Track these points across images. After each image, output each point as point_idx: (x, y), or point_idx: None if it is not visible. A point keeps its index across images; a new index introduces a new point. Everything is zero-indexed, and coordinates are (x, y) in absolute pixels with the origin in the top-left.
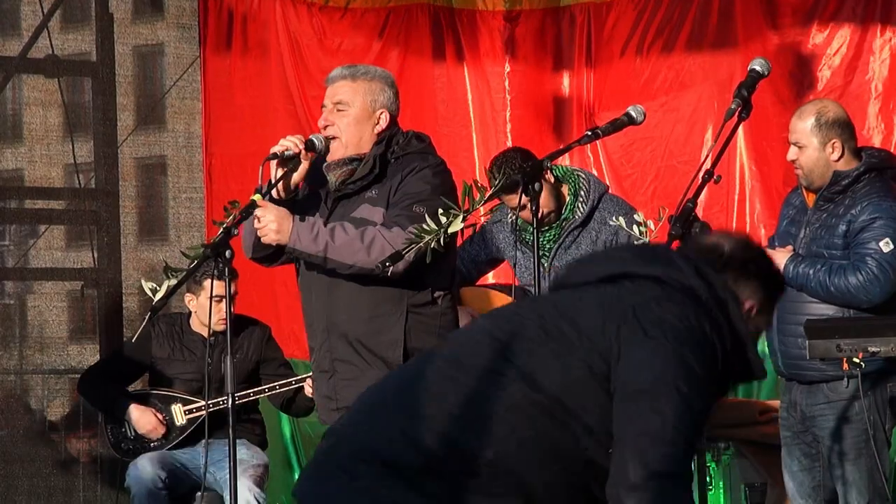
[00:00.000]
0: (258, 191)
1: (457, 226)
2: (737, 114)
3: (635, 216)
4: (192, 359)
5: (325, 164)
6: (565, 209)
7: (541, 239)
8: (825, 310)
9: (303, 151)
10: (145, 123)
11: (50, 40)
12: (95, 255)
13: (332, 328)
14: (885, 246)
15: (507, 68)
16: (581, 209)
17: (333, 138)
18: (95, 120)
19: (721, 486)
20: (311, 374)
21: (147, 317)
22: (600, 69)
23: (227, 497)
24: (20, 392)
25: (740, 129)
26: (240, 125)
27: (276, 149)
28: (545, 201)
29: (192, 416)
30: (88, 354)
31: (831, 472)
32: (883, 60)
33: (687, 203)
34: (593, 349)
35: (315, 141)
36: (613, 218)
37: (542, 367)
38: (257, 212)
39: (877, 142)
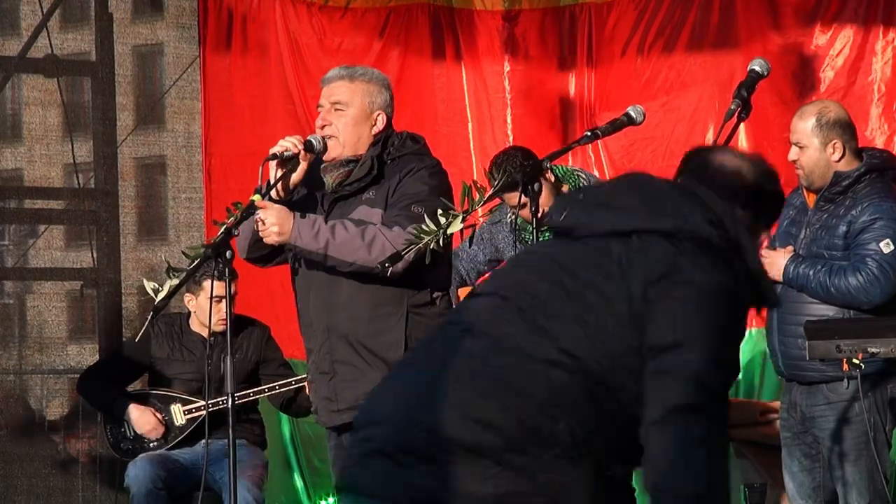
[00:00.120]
0: (258, 191)
1: (456, 226)
2: (736, 114)
3: None
4: (191, 359)
5: (323, 165)
6: None
7: (540, 238)
8: (825, 310)
9: (302, 152)
10: (145, 123)
11: (49, 40)
12: (95, 254)
13: (333, 329)
14: (886, 247)
15: (507, 68)
16: None
17: (331, 138)
18: (95, 120)
19: None
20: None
21: (149, 317)
22: (601, 69)
23: (227, 497)
24: (19, 392)
25: (742, 130)
26: (239, 125)
27: (275, 149)
28: (545, 201)
29: (191, 416)
30: (88, 354)
31: (831, 472)
32: (886, 61)
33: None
34: (620, 314)
35: (314, 142)
36: None
37: (575, 337)
38: (259, 213)
39: (879, 143)
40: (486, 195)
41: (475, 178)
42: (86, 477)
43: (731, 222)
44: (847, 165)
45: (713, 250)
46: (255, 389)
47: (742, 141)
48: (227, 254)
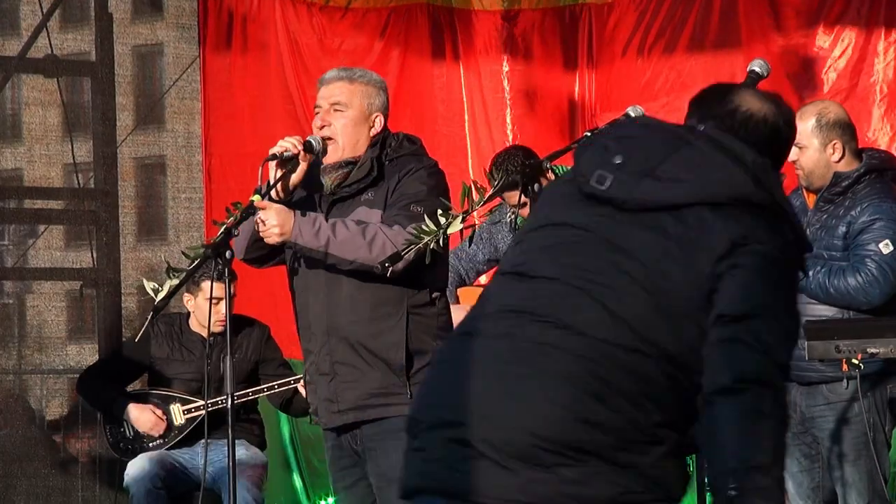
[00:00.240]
0: (257, 191)
1: (456, 226)
2: None
3: None
4: (190, 359)
5: (322, 166)
6: None
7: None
8: (824, 311)
9: (301, 153)
10: (144, 123)
11: (49, 40)
12: (94, 254)
13: (333, 331)
14: (885, 248)
15: (506, 68)
16: None
17: (330, 139)
18: (94, 120)
19: None
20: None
21: (149, 317)
22: (602, 69)
23: (226, 497)
24: (19, 392)
25: None
26: (239, 125)
27: (275, 150)
28: None
29: (190, 415)
30: (87, 354)
31: (830, 473)
32: (888, 63)
33: None
34: (691, 296)
35: (313, 142)
36: None
37: (652, 323)
38: (260, 214)
39: (882, 144)
40: (487, 195)
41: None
42: (85, 477)
43: (772, 180)
44: (847, 166)
45: (765, 214)
46: (255, 389)
47: None
48: (227, 254)
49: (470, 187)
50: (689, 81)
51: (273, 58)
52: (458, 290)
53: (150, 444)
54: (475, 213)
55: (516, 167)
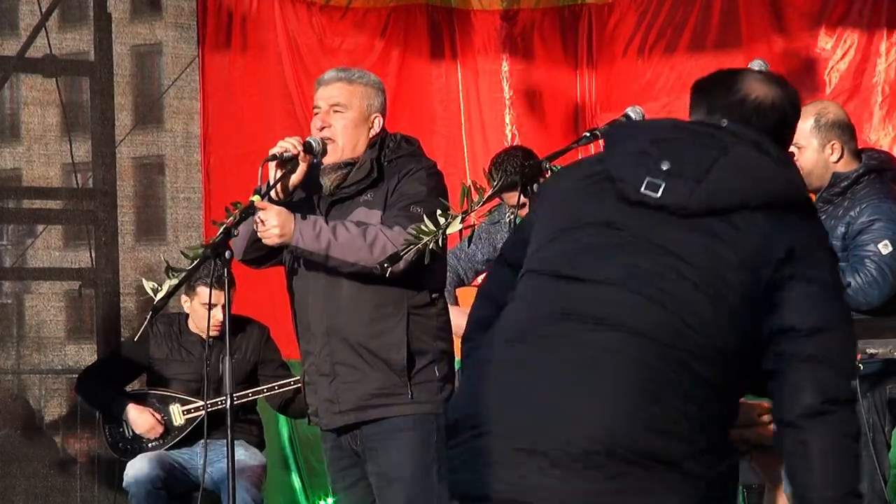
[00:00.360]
0: (257, 192)
1: (455, 227)
2: None
3: None
4: (190, 359)
5: (321, 167)
6: None
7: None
8: None
9: (301, 153)
10: (143, 123)
11: (48, 40)
12: (93, 254)
13: (333, 332)
14: (884, 248)
15: (506, 68)
16: None
17: (329, 140)
18: (93, 120)
19: None
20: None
21: (148, 317)
22: (602, 70)
23: (225, 497)
24: (18, 392)
25: None
26: (238, 125)
27: (274, 150)
28: None
29: (190, 416)
30: (86, 354)
31: None
32: (890, 63)
33: None
34: (746, 300)
35: (313, 143)
36: None
37: (715, 328)
38: (260, 214)
39: (885, 145)
40: (486, 195)
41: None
42: (84, 477)
43: (798, 174)
44: (846, 166)
45: (804, 211)
46: (254, 390)
47: None
48: (227, 254)
49: (469, 187)
50: (689, 82)
51: (272, 58)
52: (457, 290)
53: (150, 445)
54: (473, 214)
55: (515, 167)
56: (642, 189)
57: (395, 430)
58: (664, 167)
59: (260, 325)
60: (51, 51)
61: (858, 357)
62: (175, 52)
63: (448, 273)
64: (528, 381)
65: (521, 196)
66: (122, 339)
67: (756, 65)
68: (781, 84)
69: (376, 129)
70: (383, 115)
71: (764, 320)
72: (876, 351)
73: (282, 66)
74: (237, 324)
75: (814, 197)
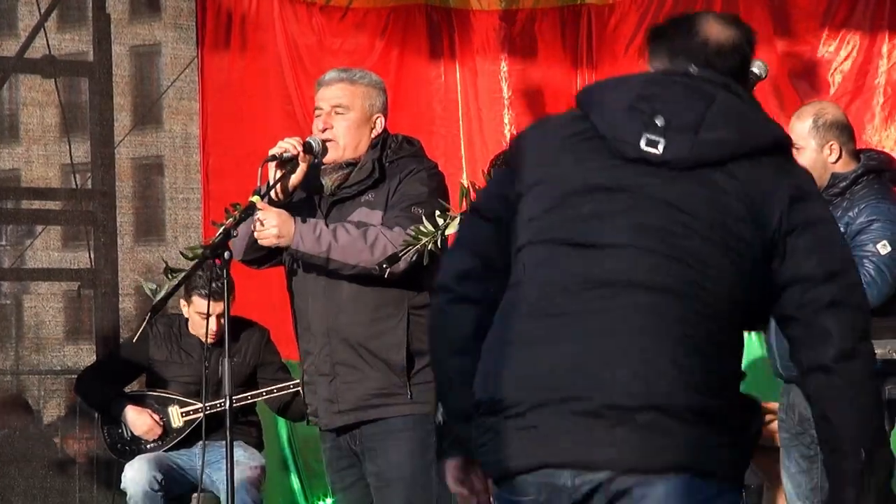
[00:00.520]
0: (257, 192)
1: (454, 228)
2: None
3: None
4: (189, 361)
5: (322, 167)
6: None
7: None
8: None
9: (301, 153)
10: (142, 124)
11: (47, 40)
12: (92, 255)
13: (333, 332)
14: (883, 248)
15: (505, 69)
16: None
17: (330, 141)
18: (92, 120)
19: None
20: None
21: (146, 317)
22: (602, 70)
23: (224, 499)
24: (16, 392)
25: None
26: (237, 126)
27: (274, 150)
28: None
29: (188, 418)
30: (85, 355)
31: None
32: (892, 65)
33: None
34: (759, 249)
35: (313, 143)
36: None
37: (734, 282)
38: (259, 214)
39: (887, 146)
40: None
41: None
42: (83, 478)
43: (767, 115)
44: (844, 167)
45: (790, 151)
46: (253, 393)
47: None
48: (226, 255)
49: (468, 188)
50: None
51: (271, 58)
52: None
53: (148, 446)
54: None
55: None
56: (643, 146)
57: (395, 430)
58: (659, 122)
59: (260, 328)
60: (50, 51)
61: None
62: (174, 53)
63: None
64: (568, 351)
65: None
66: (121, 339)
67: (755, 66)
68: (737, 23)
69: (378, 129)
70: (385, 116)
71: (777, 270)
72: (875, 351)
73: (281, 67)
74: (238, 326)
75: None
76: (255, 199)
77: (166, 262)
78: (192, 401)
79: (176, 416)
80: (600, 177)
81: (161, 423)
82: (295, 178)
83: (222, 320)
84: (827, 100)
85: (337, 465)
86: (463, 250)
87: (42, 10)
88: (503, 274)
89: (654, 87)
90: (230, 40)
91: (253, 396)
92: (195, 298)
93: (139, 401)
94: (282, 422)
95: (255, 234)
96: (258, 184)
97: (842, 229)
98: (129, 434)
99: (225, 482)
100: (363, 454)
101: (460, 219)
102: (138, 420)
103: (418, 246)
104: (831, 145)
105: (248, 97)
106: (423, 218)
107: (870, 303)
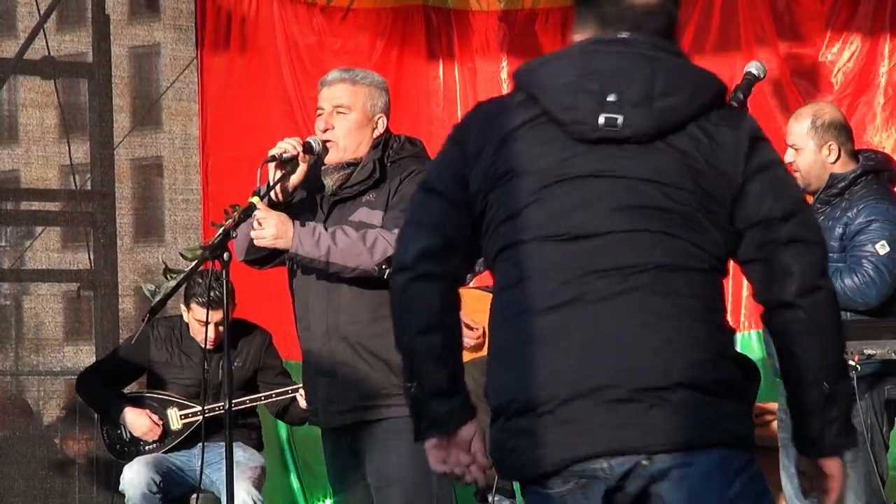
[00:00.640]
0: (256, 193)
1: None
2: None
3: None
4: (189, 364)
5: (324, 167)
6: None
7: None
8: None
9: (301, 154)
10: (142, 125)
11: (46, 41)
12: (91, 256)
13: (334, 331)
14: (882, 248)
15: (505, 69)
16: None
17: (331, 141)
18: (91, 121)
19: None
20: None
21: (145, 319)
22: None
23: (224, 499)
24: (16, 393)
25: None
26: (237, 127)
27: (274, 151)
28: None
29: (187, 420)
30: (84, 356)
31: None
32: (893, 66)
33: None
34: (726, 205)
35: (313, 143)
36: None
37: (713, 239)
38: (258, 215)
39: (888, 147)
40: None
41: None
42: (82, 479)
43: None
44: (843, 167)
45: (725, 97)
46: (252, 397)
47: None
48: (225, 255)
49: None
50: None
51: (271, 59)
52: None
53: (147, 448)
54: None
55: None
56: (602, 126)
57: (395, 430)
58: (611, 99)
59: (262, 332)
60: (49, 52)
61: (856, 358)
62: (173, 54)
63: None
64: (588, 342)
65: None
66: (121, 340)
67: (754, 66)
68: None
69: (380, 129)
70: (387, 116)
71: (737, 214)
72: (874, 352)
73: (281, 68)
74: (239, 329)
75: (811, 198)
76: (255, 199)
77: (165, 264)
78: (191, 403)
79: (175, 419)
80: (572, 164)
81: (160, 425)
82: (295, 179)
83: (221, 328)
84: (829, 101)
85: (337, 465)
86: (420, 228)
87: (41, 12)
88: (462, 252)
89: (595, 60)
90: (230, 41)
91: (252, 400)
92: (194, 306)
93: (138, 402)
94: (281, 422)
95: (252, 234)
96: (258, 184)
97: (840, 230)
98: (129, 435)
99: (224, 482)
100: (363, 454)
101: (412, 197)
102: (137, 421)
103: None
104: (830, 146)
105: (248, 98)
106: None
107: (870, 303)
